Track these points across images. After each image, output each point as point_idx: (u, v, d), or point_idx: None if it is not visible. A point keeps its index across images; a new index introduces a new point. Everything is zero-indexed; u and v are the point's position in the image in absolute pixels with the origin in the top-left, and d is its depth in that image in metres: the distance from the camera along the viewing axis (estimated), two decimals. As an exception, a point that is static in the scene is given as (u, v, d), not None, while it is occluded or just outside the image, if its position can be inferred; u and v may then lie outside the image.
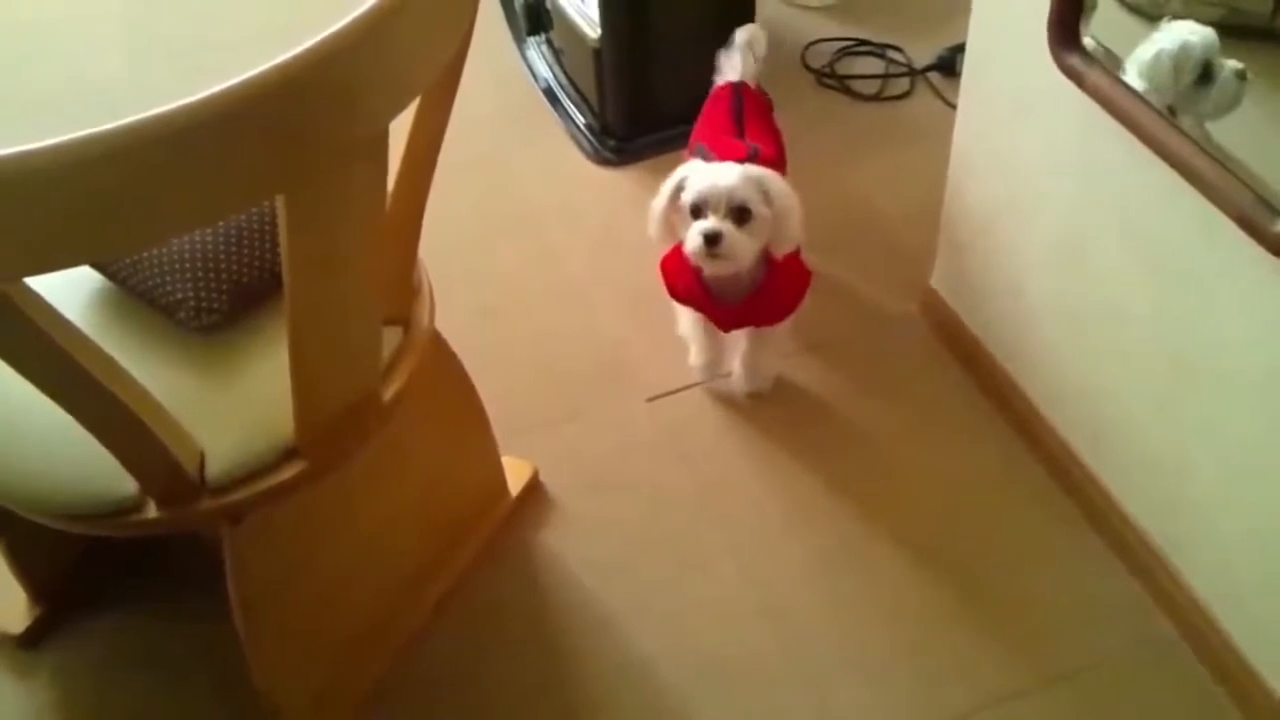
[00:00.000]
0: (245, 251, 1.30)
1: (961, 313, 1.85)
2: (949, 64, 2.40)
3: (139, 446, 1.13)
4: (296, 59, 0.79)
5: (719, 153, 1.68)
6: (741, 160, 1.64)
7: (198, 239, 1.31)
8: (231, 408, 1.26)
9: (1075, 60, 1.34)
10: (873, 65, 2.48)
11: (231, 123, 0.79)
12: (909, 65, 2.46)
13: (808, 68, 2.48)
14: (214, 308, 1.30)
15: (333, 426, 1.26)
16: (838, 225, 2.15)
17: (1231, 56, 1.23)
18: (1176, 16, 1.28)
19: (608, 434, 1.84)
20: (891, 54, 2.48)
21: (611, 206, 2.22)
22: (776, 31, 2.44)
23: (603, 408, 1.88)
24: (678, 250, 1.72)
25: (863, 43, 2.51)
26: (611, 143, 2.29)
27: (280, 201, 0.93)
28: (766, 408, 1.86)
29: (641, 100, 1.97)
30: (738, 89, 1.86)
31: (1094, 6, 1.33)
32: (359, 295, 1.15)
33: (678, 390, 1.89)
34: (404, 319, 1.37)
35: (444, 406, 1.54)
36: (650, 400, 1.88)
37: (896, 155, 2.28)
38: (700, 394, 1.89)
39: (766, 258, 1.68)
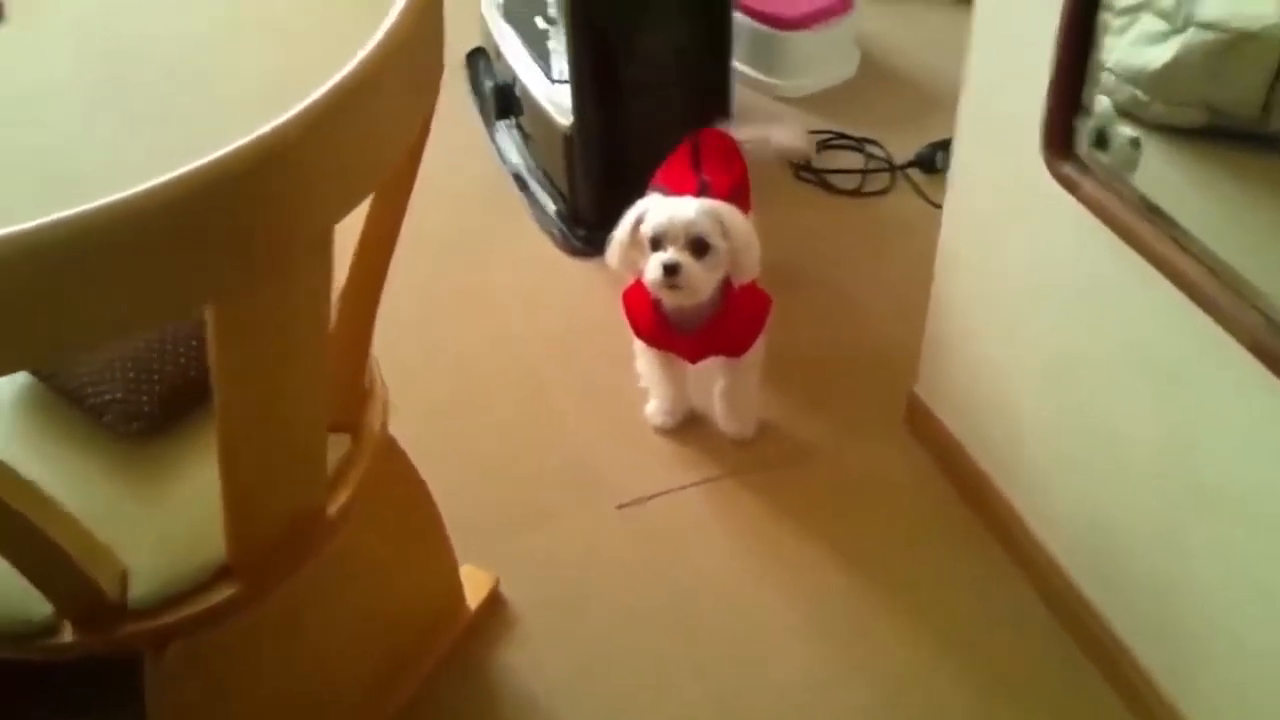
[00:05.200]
0: (181, 352, 1.21)
1: (946, 421, 1.77)
2: (929, 160, 2.35)
3: (52, 566, 1.03)
4: (223, 161, 0.70)
5: (672, 186, 1.74)
6: (694, 193, 1.68)
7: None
8: (160, 521, 1.16)
9: (1069, 169, 1.27)
10: (851, 159, 2.43)
11: (145, 230, 0.70)
12: (888, 161, 2.41)
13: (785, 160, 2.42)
14: (144, 411, 1.20)
15: (271, 543, 1.16)
16: (818, 323, 2.08)
17: (1220, 163, 1.18)
18: (1159, 120, 1.23)
19: (574, 543, 1.74)
20: (870, 148, 2.44)
21: (579, 297, 2.15)
22: (751, 121, 2.39)
23: (569, 514, 1.78)
24: (639, 283, 1.71)
25: (840, 136, 2.46)
26: (581, 232, 2.22)
27: (208, 313, 0.84)
28: (743, 518, 1.76)
29: (613, 189, 1.90)
30: (697, 134, 1.88)
31: (1089, 112, 1.26)
32: (299, 404, 1.05)
33: (649, 497, 1.79)
34: (352, 425, 1.27)
35: (396, 513, 1.44)
36: (620, 507, 1.78)
37: (878, 252, 2.22)
38: (673, 501, 1.79)
39: (725, 287, 1.70)
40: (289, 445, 1.09)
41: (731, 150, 1.89)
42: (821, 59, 2.60)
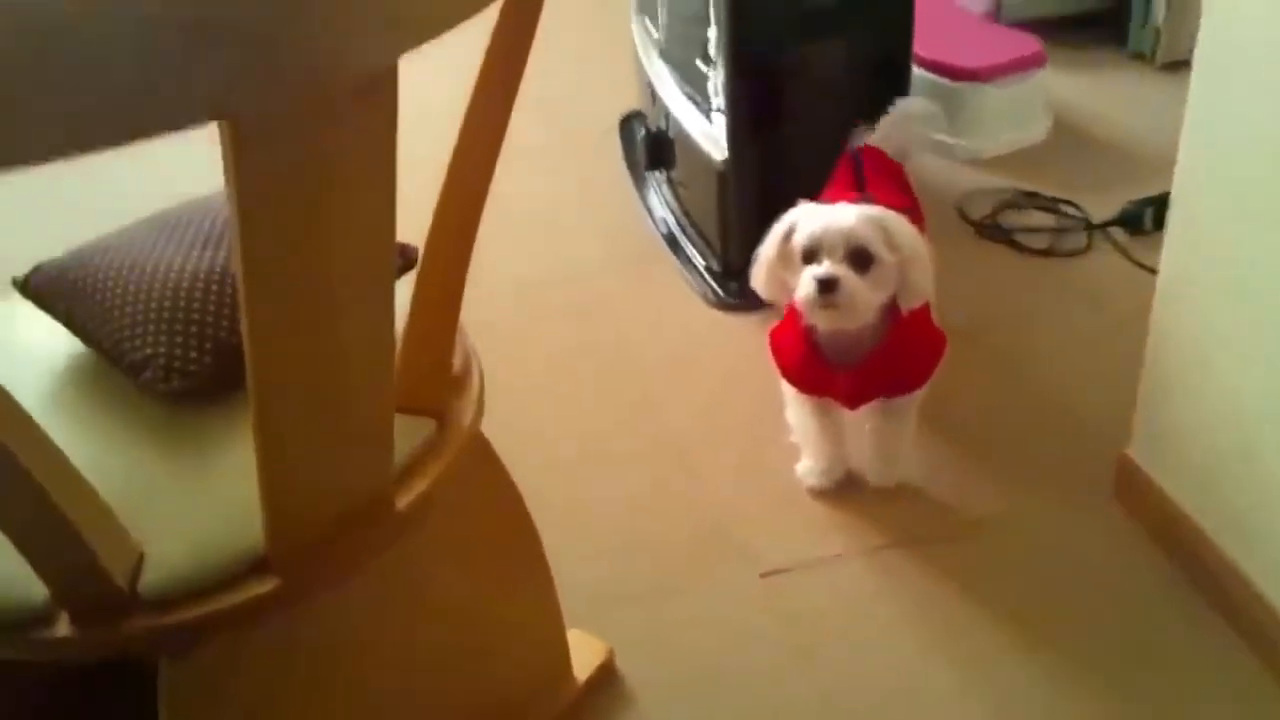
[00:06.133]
0: (234, 307, 1.01)
1: (1167, 486, 1.44)
2: (1135, 219, 2.05)
3: (47, 534, 0.82)
4: None
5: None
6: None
7: (179, 287, 1.02)
8: (191, 501, 0.95)
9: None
10: (1041, 219, 2.15)
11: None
12: (1085, 219, 2.12)
13: (965, 219, 2.16)
14: (188, 369, 1.00)
15: (319, 532, 0.93)
16: (1001, 383, 1.79)
17: None
18: None
19: (707, 615, 1.46)
20: (1064, 208, 2.15)
21: (728, 353, 1.90)
22: (926, 180, 2.15)
23: (704, 582, 1.50)
24: (788, 319, 1.51)
25: (1031, 195, 2.19)
26: (733, 284, 1.99)
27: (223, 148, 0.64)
28: (911, 594, 1.46)
29: (768, 226, 1.68)
30: (855, 152, 1.64)
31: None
32: (352, 334, 0.83)
33: (801, 567, 1.50)
34: (436, 410, 1.05)
35: (488, 538, 1.19)
36: (765, 576, 1.50)
37: (1074, 315, 1.92)
38: (826, 571, 1.50)
39: (891, 314, 1.45)
40: (342, 394, 0.87)
41: (898, 171, 1.66)
42: (1009, 117, 2.35)
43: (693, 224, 2.13)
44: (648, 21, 2.24)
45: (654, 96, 2.20)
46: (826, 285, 1.34)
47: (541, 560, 1.24)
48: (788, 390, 1.57)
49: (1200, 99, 1.29)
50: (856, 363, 1.46)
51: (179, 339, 1.00)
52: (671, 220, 2.20)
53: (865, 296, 1.37)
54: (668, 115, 2.12)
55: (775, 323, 1.58)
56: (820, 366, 1.48)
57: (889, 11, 1.87)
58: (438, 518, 1.08)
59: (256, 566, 0.92)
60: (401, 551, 1.04)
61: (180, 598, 0.89)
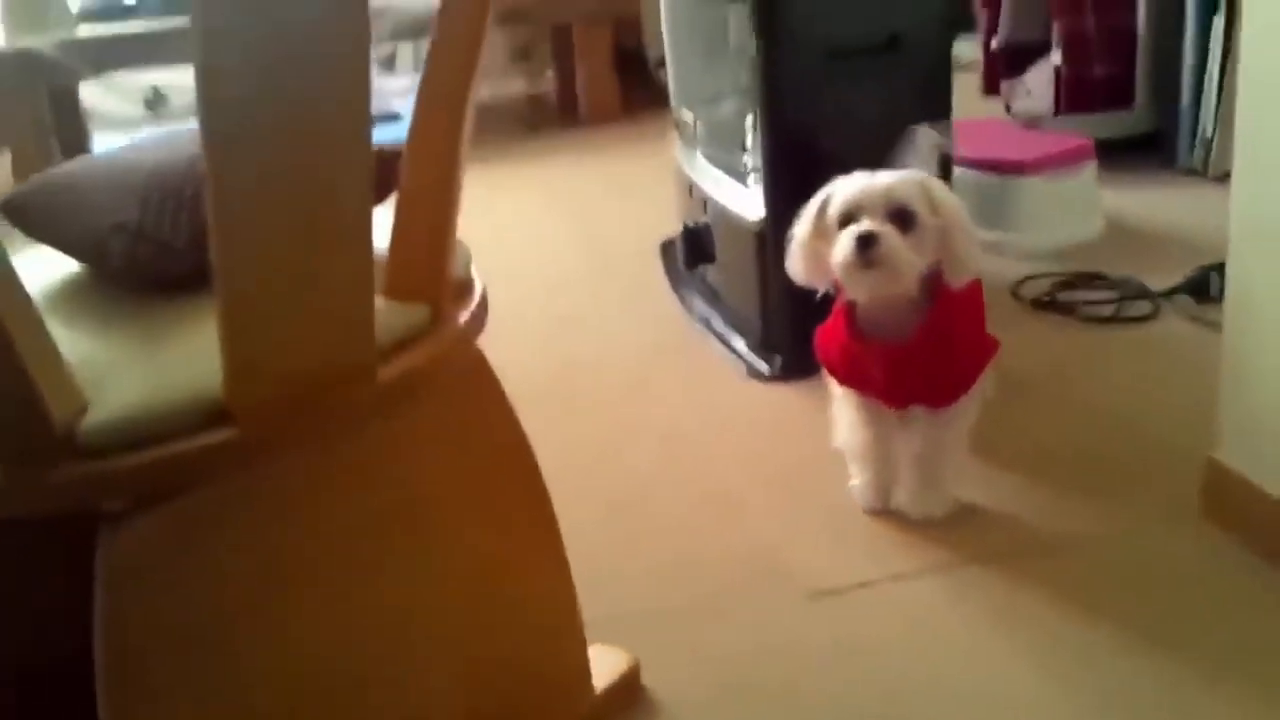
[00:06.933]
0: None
1: (1266, 481, 1.28)
2: (1201, 285, 1.94)
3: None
4: None
5: None
6: None
7: (156, 169, 0.96)
8: (148, 365, 0.85)
9: None
10: (1102, 296, 2.04)
11: None
12: (1146, 289, 2.01)
13: (1020, 299, 2.06)
14: (160, 238, 0.92)
15: (288, 390, 0.83)
16: (1073, 422, 1.66)
17: None
18: None
19: (749, 633, 1.29)
20: (1125, 284, 2.05)
21: (772, 418, 1.77)
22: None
23: (746, 604, 1.34)
24: (834, 317, 1.42)
25: (1094, 277, 2.09)
26: (775, 358, 1.89)
27: None
28: (986, 609, 1.28)
29: (807, 304, 1.59)
30: None
31: None
32: (327, 145, 0.77)
33: (856, 587, 1.34)
34: (431, 298, 0.96)
35: (486, 467, 1.05)
36: (815, 597, 1.33)
37: (1142, 368, 1.79)
38: (889, 589, 1.33)
39: (933, 294, 1.35)
40: (313, 224, 0.80)
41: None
42: (1059, 211, 2.28)
43: (732, 311, 2.06)
44: (684, 112, 2.26)
45: (691, 191, 2.19)
46: (866, 241, 1.25)
47: (549, 520, 1.10)
48: (835, 393, 1.46)
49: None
50: (898, 343, 1.35)
51: (152, 209, 0.92)
52: (712, 313, 2.13)
53: (906, 256, 1.27)
54: (705, 203, 2.09)
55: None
56: (861, 350, 1.37)
57: (926, 58, 1.84)
58: (428, 424, 0.97)
59: (214, 418, 0.81)
60: (384, 448, 0.94)
61: (122, 444, 0.79)
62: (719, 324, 2.09)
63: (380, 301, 0.91)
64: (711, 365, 1.99)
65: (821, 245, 1.33)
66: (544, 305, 2.35)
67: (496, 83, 4.52)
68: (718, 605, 1.34)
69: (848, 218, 1.30)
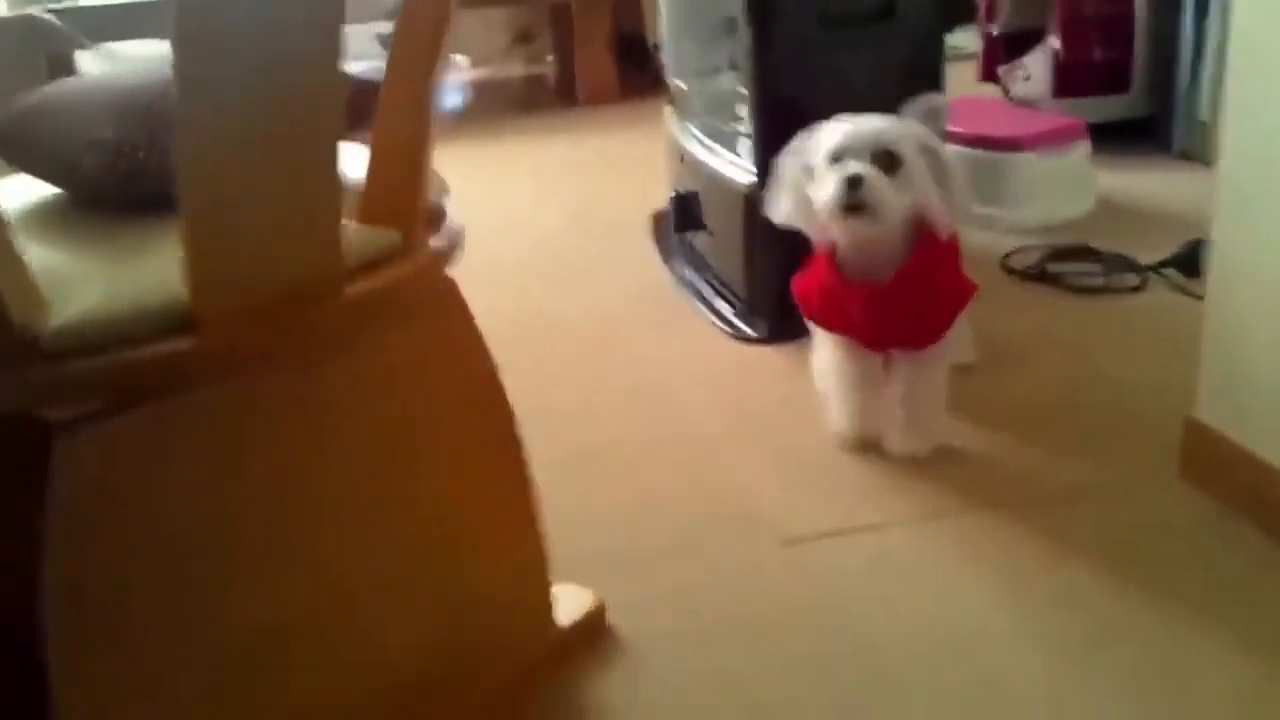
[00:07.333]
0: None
1: (1245, 438, 1.27)
2: (1189, 260, 1.94)
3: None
4: None
5: None
6: None
7: (135, 89, 0.95)
8: (115, 275, 0.84)
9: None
10: (1091, 267, 2.03)
11: None
12: (1135, 263, 2.00)
13: (1010, 270, 2.06)
14: (136, 156, 0.91)
15: (254, 300, 0.83)
16: (1057, 382, 1.66)
17: None
18: None
19: (720, 575, 1.29)
20: (1114, 257, 2.04)
21: (756, 378, 1.77)
22: (967, 246, 2.05)
23: (718, 549, 1.34)
24: (815, 263, 1.43)
25: (1084, 250, 2.08)
26: (760, 321, 1.88)
27: None
28: (960, 557, 1.28)
29: (792, 265, 1.59)
30: None
31: None
32: (300, 87, 0.78)
33: (830, 534, 1.33)
34: (404, 224, 0.96)
35: (454, 396, 1.05)
36: (789, 544, 1.32)
37: (1128, 337, 1.79)
38: (864, 538, 1.32)
39: (915, 238, 1.36)
40: (277, 129, 0.80)
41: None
42: (1051, 188, 2.27)
43: (719, 276, 2.06)
44: (679, 82, 2.25)
45: (682, 158, 2.18)
46: (853, 183, 1.26)
47: (517, 452, 1.09)
48: (815, 339, 1.47)
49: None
50: (878, 287, 1.35)
51: (129, 127, 0.92)
52: (699, 280, 2.13)
53: (892, 199, 1.28)
54: (696, 169, 2.08)
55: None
56: (841, 292, 1.37)
57: (919, 28, 1.83)
58: (398, 351, 0.97)
59: (178, 326, 0.81)
60: (352, 375, 0.93)
61: (86, 348, 0.78)
62: (706, 290, 2.08)
63: (353, 225, 0.92)
64: (695, 328, 1.98)
65: (807, 186, 1.33)
66: (528, 266, 2.35)
67: (497, 65, 4.51)
68: (687, 547, 1.34)
69: (834, 160, 1.30)
